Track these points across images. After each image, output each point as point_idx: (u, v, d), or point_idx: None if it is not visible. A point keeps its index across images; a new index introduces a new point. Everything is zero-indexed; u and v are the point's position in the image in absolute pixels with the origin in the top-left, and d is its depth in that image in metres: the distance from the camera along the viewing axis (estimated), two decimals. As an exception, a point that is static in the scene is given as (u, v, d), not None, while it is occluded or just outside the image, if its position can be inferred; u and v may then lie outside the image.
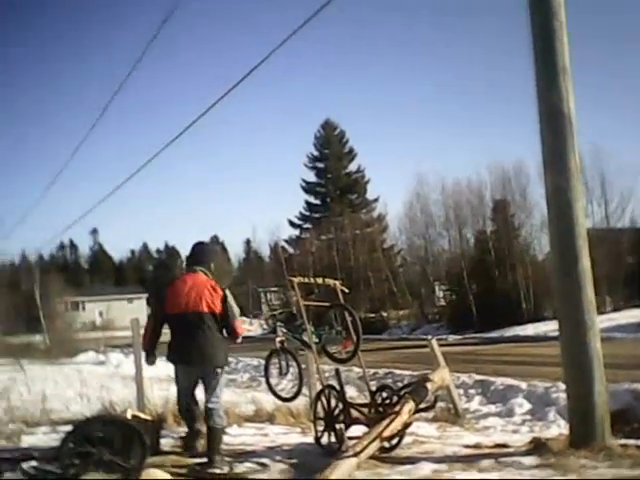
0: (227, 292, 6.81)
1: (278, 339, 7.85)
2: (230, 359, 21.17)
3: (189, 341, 6.67)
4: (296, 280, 7.63)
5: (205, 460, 6.63)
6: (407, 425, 6.93)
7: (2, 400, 9.90)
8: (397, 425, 6.67)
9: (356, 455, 6.13)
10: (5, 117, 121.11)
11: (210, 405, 6.68)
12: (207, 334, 6.66)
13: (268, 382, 8.11)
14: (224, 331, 6.83)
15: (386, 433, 6.57)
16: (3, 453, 6.77)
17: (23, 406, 9.70)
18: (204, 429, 6.86)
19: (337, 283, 8.11)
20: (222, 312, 6.71)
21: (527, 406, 9.66)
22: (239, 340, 6.93)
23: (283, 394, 8.39)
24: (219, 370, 6.82)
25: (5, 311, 39.95)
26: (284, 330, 7.89)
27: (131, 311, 64.43)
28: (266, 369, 8.14)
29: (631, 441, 6.67)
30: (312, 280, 8.11)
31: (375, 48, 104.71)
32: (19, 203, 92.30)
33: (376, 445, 6.48)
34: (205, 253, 7.19)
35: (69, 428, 6.53)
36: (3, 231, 69.33)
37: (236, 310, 6.90)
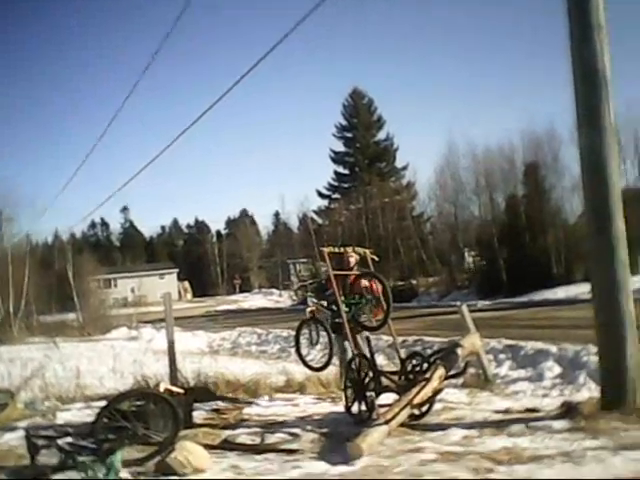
0: None
1: (309, 309, 7.88)
2: (260, 330, 21.14)
3: None
4: (327, 250, 7.64)
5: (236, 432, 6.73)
6: (437, 391, 6.93)
7: (37, 378, 10.05)
8: (427, 392, 6.69)
9: (387, 423, 6.16)
10: (36, 99, 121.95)
11: None
12: None
13: (299, 352, 8.15)
14: None
15: (416, 400, 6.59)
16: (39, 430, 6.86)
17: (58, 383, 9.85)
18: None
19: (367, 252, 8.10)
20: None
21: (557, 370, 9.59)
22: None
23: (313, 364, 8.43)
24: None
25: (39, 290, 40.50)
26: (314, 300, 7.92)
27: (162, 286, 65.15)
28: (297, 339, 8.18)
29: (663, 402, 6.60)
30: (342, 250, 8.11)
31: (401, 14, 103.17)
32: (51, 183, 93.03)
33: (407, 412, 6.50)
34: None
35: (103, 404, 6.63)
36: (35, 211, 69.79)
37: None
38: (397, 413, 6.33)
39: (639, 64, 70.65)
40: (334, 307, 7.61)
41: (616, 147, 6.85)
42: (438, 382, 6.83)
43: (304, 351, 8.20)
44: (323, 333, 7.78)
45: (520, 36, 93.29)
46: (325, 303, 7.85)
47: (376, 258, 8.16)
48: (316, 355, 10.87)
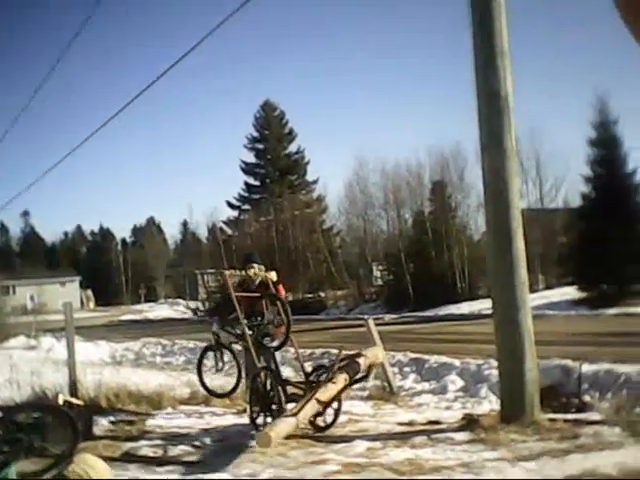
0: None
1: (213, 334, 7.81)
2: (165, 341, 20.64)
3: None
4: (228, 273, 7.61)
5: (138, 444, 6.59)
6: (342, 391, 6.96)
7: None
8: (332, 392, 6.70)
9: (294, 415, 6.13)
10: None
11: None
12: None
13: (201, 379, 7.98)
14: None
15: (322, 397, 6.57)
16: None
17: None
18: None
19: (267, 275, 8.12)
20: None
21: (460, 383, 9.81)
22: None
23: (217, 387, 8.33)
24: None
25: None
26: (218, 325, 7.86)
27: (64, 294, 63.33)
28: (199, 365, 8.01)
29: (559, 415, 6.85)
30: (243, 273, 8.06)
31: (312, 27, 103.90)
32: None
33: (313, 406, 6.46)
34: None
35: (-2, 415, 6.38)
36: None
37: None
38: (303, 405, 6.33)
39: (541, 87, 73.51)
40: (238, 330, 7.55)
41: (517, 169, 7.09)
42: (343, 384, 6.86)
43: (211, 375, 8.12)
44: (228, 356, 7.75)
45: (431, 54, 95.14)
46: (229, 328, 7.78)
47: (274, 278, 8.16)
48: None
